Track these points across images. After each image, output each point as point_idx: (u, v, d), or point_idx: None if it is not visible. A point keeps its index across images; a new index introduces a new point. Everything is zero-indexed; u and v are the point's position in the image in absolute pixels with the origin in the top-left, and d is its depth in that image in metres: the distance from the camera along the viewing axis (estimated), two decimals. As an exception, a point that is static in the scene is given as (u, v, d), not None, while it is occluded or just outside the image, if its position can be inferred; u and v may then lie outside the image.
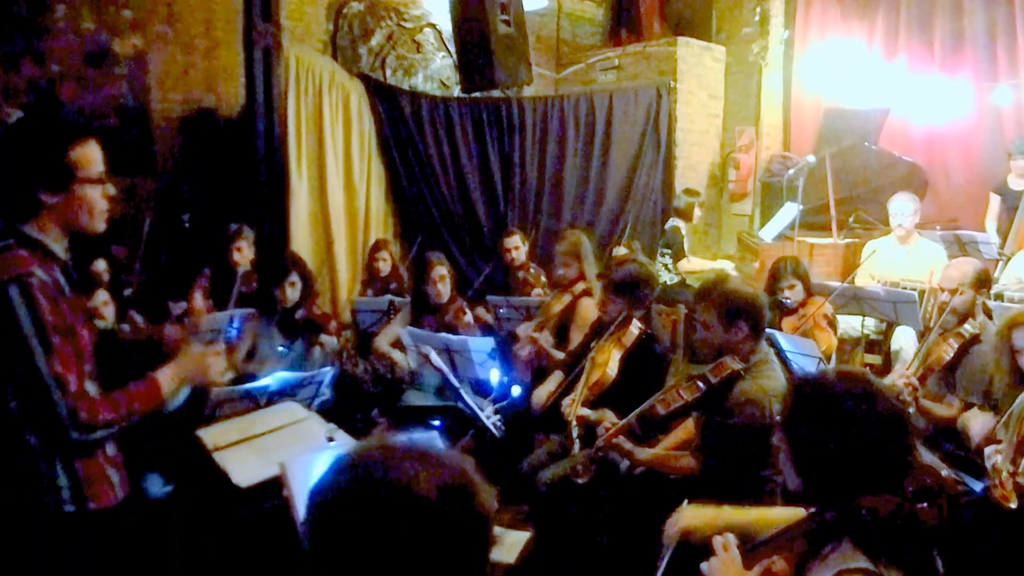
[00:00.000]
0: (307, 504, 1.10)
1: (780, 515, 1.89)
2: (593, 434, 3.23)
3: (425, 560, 1.05)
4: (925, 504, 1.55)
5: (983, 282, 3.73)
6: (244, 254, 4.88)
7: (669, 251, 6.29)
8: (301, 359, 4.24)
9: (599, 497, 3.16)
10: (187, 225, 5.76)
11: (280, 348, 4.13)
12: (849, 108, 7.34)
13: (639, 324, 3.56)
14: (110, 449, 2.08)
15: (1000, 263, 5.58)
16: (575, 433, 3.34)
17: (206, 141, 5.85)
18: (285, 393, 3.15)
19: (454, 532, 1.07)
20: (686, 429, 3.27)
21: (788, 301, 4.47)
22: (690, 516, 2.08)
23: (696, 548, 1.97)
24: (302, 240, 6.01)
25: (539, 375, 4.41)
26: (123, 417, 1.96)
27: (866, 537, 1.58)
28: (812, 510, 1.70)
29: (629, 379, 3.47)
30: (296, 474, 2.21)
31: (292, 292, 4.29)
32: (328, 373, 3.39)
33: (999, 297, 4.77)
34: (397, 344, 4.44)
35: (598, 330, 3.78)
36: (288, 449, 2.54)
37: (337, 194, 6.24)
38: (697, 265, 6.38)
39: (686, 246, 6.32)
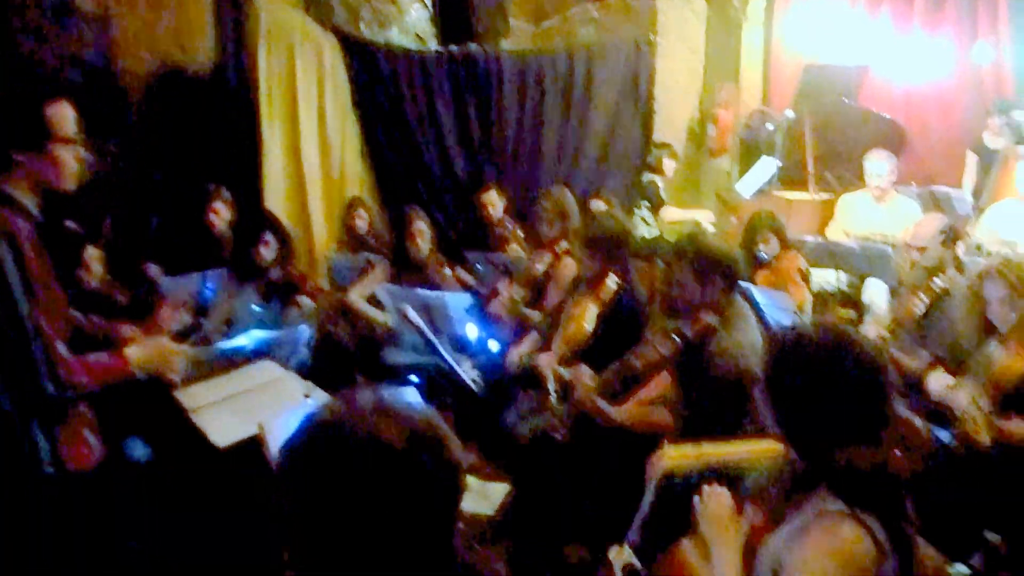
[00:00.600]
0: (279, 460, 1.11)
1: (758, 447, 1.92)
2: (570, 389, 3.26)
3: (396, 510, 1.06)
4: (900, 454, 1.58)
5: (951, 237, 3.78)
6: (222, 216, 4.83)
7: (646, 204, 6.29)
8: (278, 319, 4.22)
9: (578, 449, 3.19)
10: (159, 184, 5.67)
11: (255, 308, 4.11)
12: (829, 65, 7.31)
13: (616, 279, 3.57)
14: (85, 410, 2.08)
15: (973, 219, 5.64)
16: (552, 387, 3.37)
17: (175, 99, 5.72)
18: (262, 352, 3.14)
19: (423, 481, 1.08)
20: (661, 381, 3.30)
21: (764, 255, 4.50)
22: (671, 456, 2.11)
23: (677, 495, 2.01)
24: (276, 198, 5.94)
25: (519, 331, 4.43)
26: (93, 383, 1.97)
27: (843, 484, 1.61)
28: (791, 459, 1.73)
29: (606, 334, 3.49)
30: (275, 432, 2.22)
31: (268, 252, 4.25)
32: (305, 332, 3.39)
33: (977, 249, 4.83)
34: (372, 301, 4.43)
35: (576, 287, 3.79)
36: (266, 408, 2.55)
37: (312, 151, 6.15)
38: (676, 215, 6.40)
39: (664, 200, 6.33)
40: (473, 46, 6.75)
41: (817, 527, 1.57)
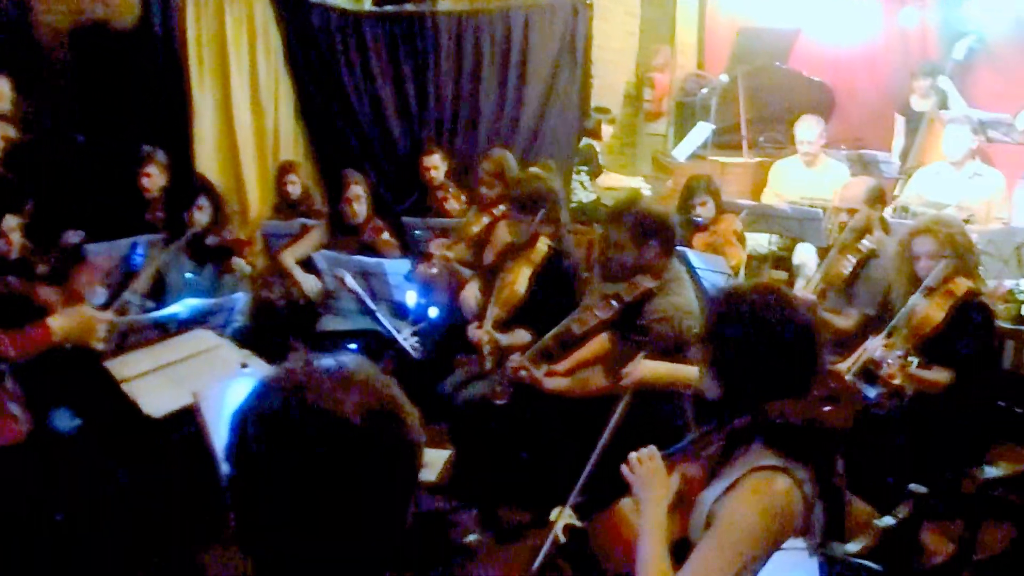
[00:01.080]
0: (229, 430, 1.06)
1: None
2: (505, 355, 3.28)
3: (351, 487, 1.03)
4: (829, 408, 1.64)
5: (877, 199, 3.91)
6: (155, 180, 4.67)
7: (584, 169, 6.31)
8: (213, 286, 4.12)
9: (518, 414, 3.22)
10: (81, 145, 5.44)
11: (188, 275, 4.00)
12: (762, 28, 7.40)
13: (547, 241, 3.58)
14: (10, 384, 2.02)
15: (900, 181, 5.81)
16: (487, 351, 3.39)
17: (98, 56, 5.47)
18: (196, 320, 3.07)
19: (381, 458, 1.05)
20: (599, 342, 3.33)
21: (700, 219, 4.57)
22: (645, 368, 2.15)
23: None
24: (208, 162, 5.75)
25: (457, 295, 4.42)
26: (17, 355, 1.91)
27: (776, 438, 1.66)
28: (725, 416, 1.77)
29: (540, 296, 3.52)
30: (210, 402, 2.18)
31: (201, 216, 4.13)
32: (240, 299, 3.32)
33: (904, 211, 4.98)
34: (306, 266, 4.36)
35: (510, 251, 3.78)
36: (201, 377, 2.50)
37: (244, 113, 5.97)
38: (613, 181, 6.44)
39: (602, 164, 6.36)
40: (409, 6, 6.62)
41: (749, 480, 1.63)
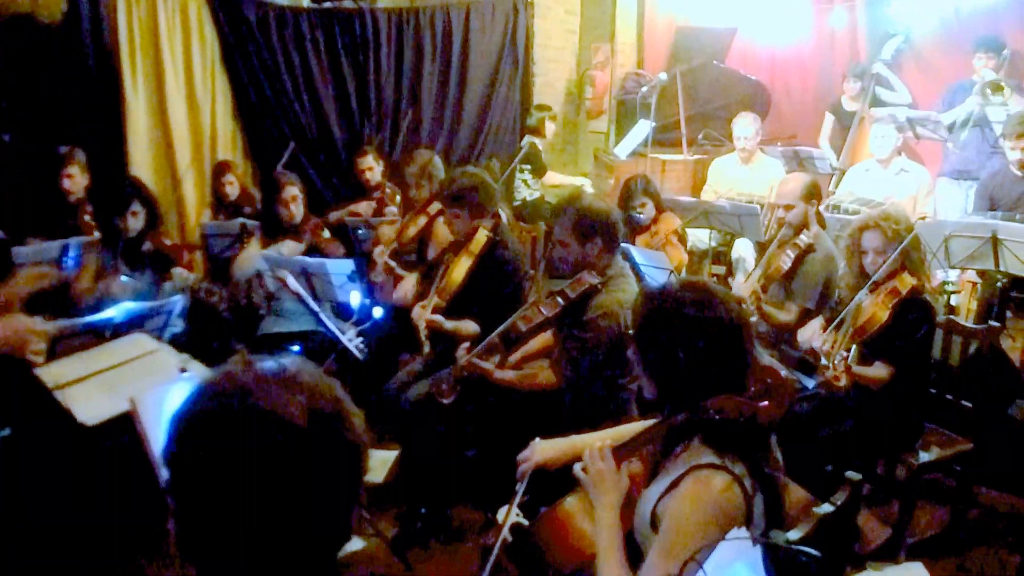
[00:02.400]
0: (169, 434, 1.03)
1: (631, 431, 1.98)
2: (453, 349, 3.27)
3: (295, 490, 1.01)
4: (766, 402, 1.67)
5: (813, 195, 3.99)
6: (76, 181, 4.53)
7: (528, 167, 6.34)
8: (151, 294, 4.02)
9: (465, 413, 3.21)
10: (6, 144, 5.24)
11: (124, 279, 3.90)
12: (699, 27, 7.52)
13: (487, 232, 3.60)
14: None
15: (834, 178, 5.97)
16: (424, 335, 3.42)
17: (23, 51, 5.28)
18: (132, 325, 2.98)
19: (325, 461, 1.03)
20: (544, 338, 3.35)
21: (641, 218, 4.63)
22: (543, 449, 2.14)
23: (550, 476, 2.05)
24: (142, 163, 5.62)
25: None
26: None
27: (714, 435, 1.69)
28: (664, 413, 1.80)
29: (481, 284, 3.53)
30: (148, 408, 2.12)
31: (135, 221, 4.02)
32: (178, 302, 3.24)
33: (836, 208, 5.12)
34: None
35: (452, 245, 3.78)
36: (138, 383, 2.43)
37: (179, 111, 5.84)
38: (556, 179, 6.48)
39: (544, 162, 6.39)
40: (348, 2, 6.55)
41: (690, 479, 1.66)
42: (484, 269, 3.56)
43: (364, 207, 5.30)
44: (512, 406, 3.16)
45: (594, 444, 1.86)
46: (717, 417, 1.67)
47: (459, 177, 3.79)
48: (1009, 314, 4.56)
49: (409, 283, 4.06)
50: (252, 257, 4.22)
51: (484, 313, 3.44)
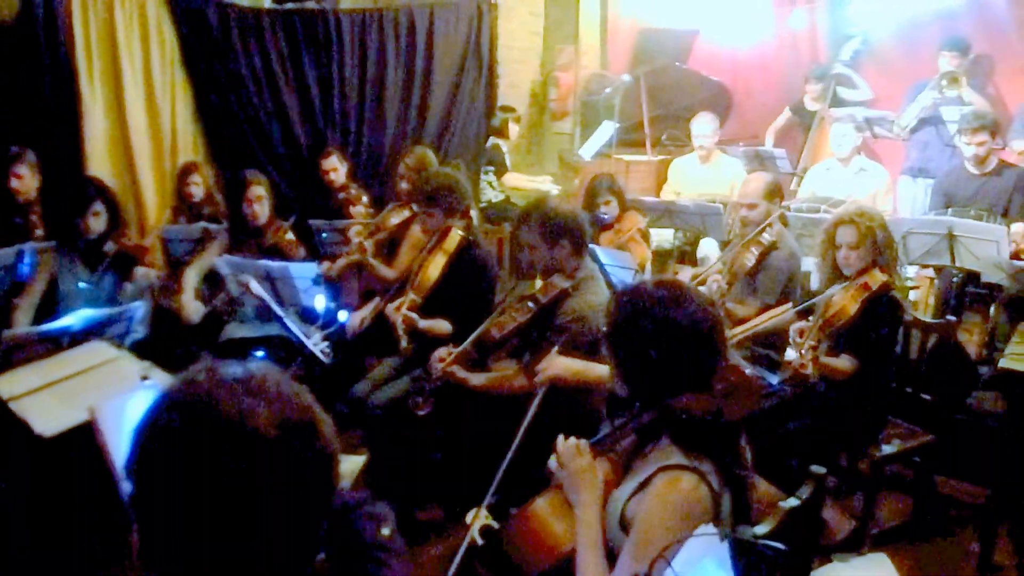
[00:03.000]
0: (131, 444, 0.99)
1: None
2: (424, 352, 3.26)
3: (264, 501, 0.97)
4: (732, 400, 1.68)
5: (775, 194, 4.05)
6: (26, 182, 4.42)
7: (492, 168, 6.33)
8: (112, 296, 3.93)
9: (434, 416, 3.20)
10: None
11: (82, 284, 3.81)
12: (662, 28, 7.58)
13: (460, 232, 3.60)
14: None
15: (795, 178, 6.05)
16: (401, 330, 3.41)
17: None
18: (91, 332, 2.92)
19: (295, 471, 0.99)
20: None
21: (605, 217, 4.65)
22: (559, 364, 2.14)
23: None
24: (100, 164, 5.50)
25: (367, 298, 4.37)
26: None
27: (682, 434, 1.70)
28: (636, 413, 1.80)
29: (455, 284, 3.52)
30: (108, 418, 2.08)
31: (97, 223, 3.93)
32: (139, 308, 3.18)
33: (798, 209, 5.19)
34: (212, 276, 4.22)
35: (427, 246, 3.78)
36: (98, 392, 2.38)
37: (138, 112, 5.73)
38: (520, 181, 6.48)
39: (508, 164, 6.39)
40: (310, 3, 6.49)
41: (659, 480, 1.67)
42: (458, 268, 3.57)
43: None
44: (478, 408, 3.15)
45: (569, 441, 1.86)
46: (683, 416, 1.68)
47: (433, 177, 3.79)
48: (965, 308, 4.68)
49: (366, 311, 4.04)
50: (211, 261, 4.14)
51: (457, 312, 3.44)
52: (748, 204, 3.98)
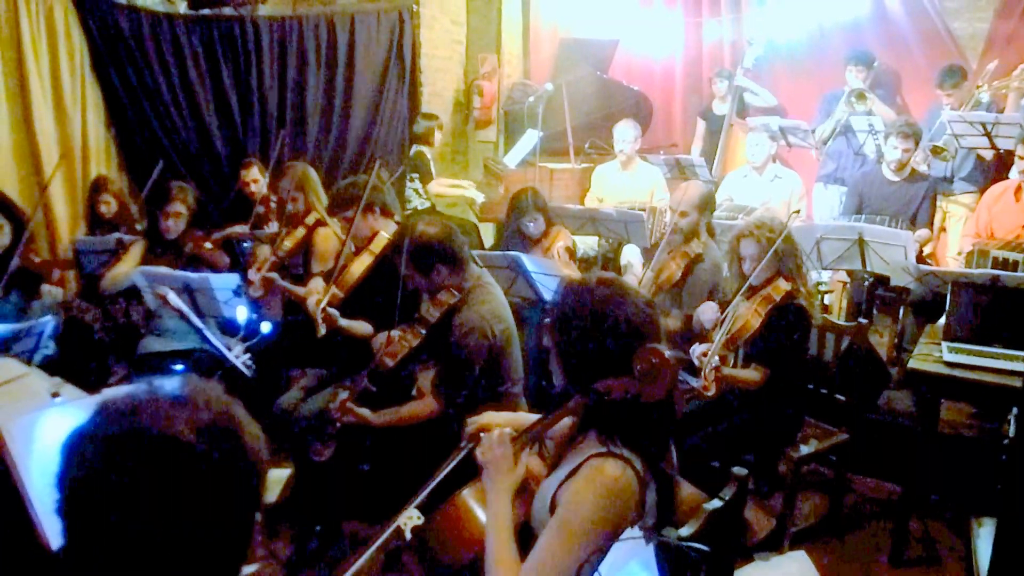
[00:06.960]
0: (61, 456, 1.01)
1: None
2: (350, 365, 3.22)
3: (189, 511, 0.99)
4: (649, 382, 1.71)
5: (707, 204, 4.12)
6: None
7: (417, 176, 6.30)
8: (17, 312, 3.76)
9: (360, 428, 3.16)
10: None
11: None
12: (583, 38, 7.69)
13: (387, 234, 3.65)
14: None
15: (711, 185, 6.20)
16: (320, 319, 3.39)
17: None
18: (-3, 349, 2.80)
19: (220, 478, 1.01)
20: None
21: (532, 232, 4.63)
22: (488, 416, 2.16)
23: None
24: (6, 175, 5.27)
25: (290, 309, 4.28)
26: None
27: (610, 428, 1.73)
28: (568, 408, 1.83)
29: (378, 286, 3.52)
30: (16, 436, 1.99)
31: (0, 238, 3.76)
32: (48, 323, 3.05)
33: (717, 216, 5.31)
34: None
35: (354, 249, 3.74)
36: (5, 410, 2.27)
37: (46, 121, 5.51)
38: (445, 188, 6.46)
39: (433, 171, 6.37)
40: (228, 9, 6.35)
41: (587, 467, 1.71)
42: (382, 270, 3.54)
43: (239, 229, 5.09)
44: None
45: (492, 432, 1.88)
46: (605, 399, 1.71)
47: (346, 185, 3.80)
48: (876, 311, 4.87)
49: (317, 284, 3.94)
50: (126, 272, 3.99)
51: (379, 316, 3.40)
52: (680, 212, 4.02)
